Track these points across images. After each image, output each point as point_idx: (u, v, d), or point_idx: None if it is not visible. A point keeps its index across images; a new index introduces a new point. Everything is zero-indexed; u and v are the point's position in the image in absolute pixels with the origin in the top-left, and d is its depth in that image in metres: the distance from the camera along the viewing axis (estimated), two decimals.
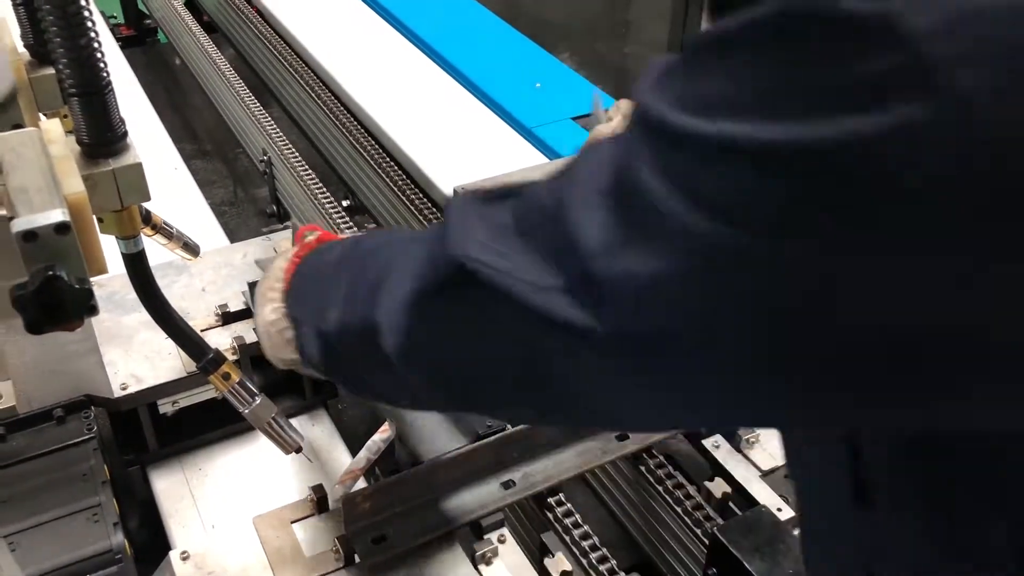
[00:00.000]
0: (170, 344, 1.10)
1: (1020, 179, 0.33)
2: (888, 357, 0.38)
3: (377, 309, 0.60)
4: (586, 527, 1.04)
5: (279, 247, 1.31)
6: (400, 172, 1.74)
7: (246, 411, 0.92)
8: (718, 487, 1.05)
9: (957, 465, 0.45)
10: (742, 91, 0.37)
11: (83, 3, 0.64)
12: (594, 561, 1.01)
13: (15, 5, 0.89)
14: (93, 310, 0.62)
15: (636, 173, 0.41)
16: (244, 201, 2.46)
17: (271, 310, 0.81)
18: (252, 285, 1.14)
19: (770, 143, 0.36)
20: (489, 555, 0.94)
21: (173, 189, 1.67)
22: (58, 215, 0.60)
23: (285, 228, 1.49)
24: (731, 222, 0.38)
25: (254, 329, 0.91)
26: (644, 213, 0.41)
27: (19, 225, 0.60)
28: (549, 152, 1.74)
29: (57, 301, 0.60)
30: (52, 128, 0.75)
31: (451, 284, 0.52)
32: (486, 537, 0.97)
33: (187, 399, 1.11)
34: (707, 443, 1.10)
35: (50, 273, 0.59)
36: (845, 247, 0.36)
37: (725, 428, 1.08)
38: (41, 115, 0.88)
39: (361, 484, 1.02)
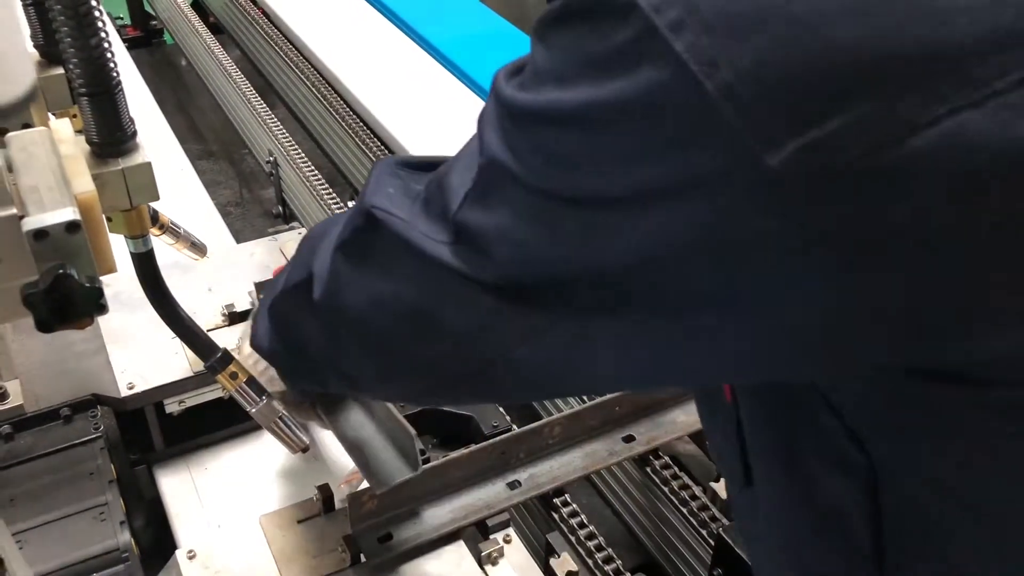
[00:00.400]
0: (177, 343, 1.10)
1: (746, 135, 0.35)
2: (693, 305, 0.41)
3: (315, 263, 0.65)
4: (592, 527, 1.04)
5: (285, 248, 1.31)
6: None
7: (253, 410, 0.92)
8: (723, 488, 1.05)
9: (811, 434, 0.48)
10: (554, 65, 0.42)
11: (94, 3, 0.64)
12: (599, 561, 1.01)
13: (25, 5, 0.89)
14: (103, 308, 0.62)
15: (485, 138, 0.46)
16: (250, 202, 2.46)
17: (248, 345, 0.84)
18: (258, 285, 1.14)
19: (567, 106, 0.41)
20: (495, 555, 0.95)
21: (179, 190, 1.67)
22: (69, 214, 0.60)
23: (291, 229, 1.50)
24: (543, 176, 0.43)
25: None
26: (491, 170, 0.46)
27: (30, 224, 0.60)
28: None
29: (68, 299, 0.60)
30: (61, 128, 0.75)
31: (363, 230, 0.57)
32: (492, 537, 0.97)
33: (194, 398, 1.11)
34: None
35: (61, 272, 0.60)
36: (628, 201, 0.40)
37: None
38: (50, 114, 0.88)
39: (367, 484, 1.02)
